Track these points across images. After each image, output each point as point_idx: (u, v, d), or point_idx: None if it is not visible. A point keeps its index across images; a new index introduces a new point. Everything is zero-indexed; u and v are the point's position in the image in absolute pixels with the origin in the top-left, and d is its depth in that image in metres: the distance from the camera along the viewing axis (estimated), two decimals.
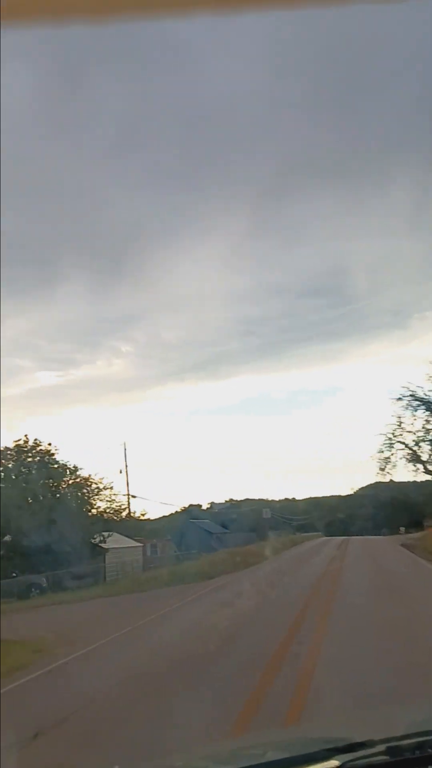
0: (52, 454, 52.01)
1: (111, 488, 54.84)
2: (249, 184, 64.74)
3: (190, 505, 77.97)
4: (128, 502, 46.77)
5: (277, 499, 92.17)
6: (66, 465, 52.62)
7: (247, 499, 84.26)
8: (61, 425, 72.34)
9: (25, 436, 50.70)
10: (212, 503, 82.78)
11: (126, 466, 45.87)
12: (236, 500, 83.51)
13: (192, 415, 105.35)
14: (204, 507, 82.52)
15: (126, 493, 46.53)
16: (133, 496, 55.71)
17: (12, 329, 61.12)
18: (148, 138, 55.44)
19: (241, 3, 0.58)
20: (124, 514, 55.63)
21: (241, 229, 69.87)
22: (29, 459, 49.89)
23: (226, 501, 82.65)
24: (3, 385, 65.60)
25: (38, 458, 51.04)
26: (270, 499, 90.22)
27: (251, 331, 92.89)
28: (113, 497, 54.51)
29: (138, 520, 57.20)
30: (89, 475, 56.16)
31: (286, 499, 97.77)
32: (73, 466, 54.13)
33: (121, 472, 45.62)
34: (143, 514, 57.03)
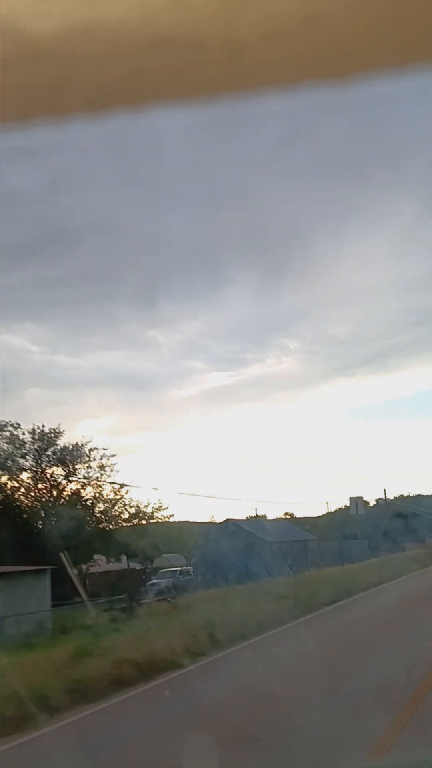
0: None
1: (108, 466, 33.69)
2: (418, 167, 58.15)
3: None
4: None
5: None
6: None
7: (419, 495, 78.10)
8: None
9: None
10: (378, 500, 73.56)
11: None
12: (407, 496, 76.75)
13: (361, 410, 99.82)
14: (372, 504, 73.59)
15: None
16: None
17: (184, 333, 66.20)
18: (308, 129, 53.27)
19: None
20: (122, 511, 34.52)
21: (410, 214, 65.81)
22: None
23: (395, 498, 75.06)
24: (178, 387, 71.41)
25: None
26: None
27: (423, 320, 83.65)
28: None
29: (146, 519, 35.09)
30: (78, 443, 36.46)
31: None
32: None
33: None
34: (158, 509, 34.60)
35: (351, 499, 38.09)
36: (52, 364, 58.96)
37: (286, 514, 75.90)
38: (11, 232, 49.01)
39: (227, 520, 35.12)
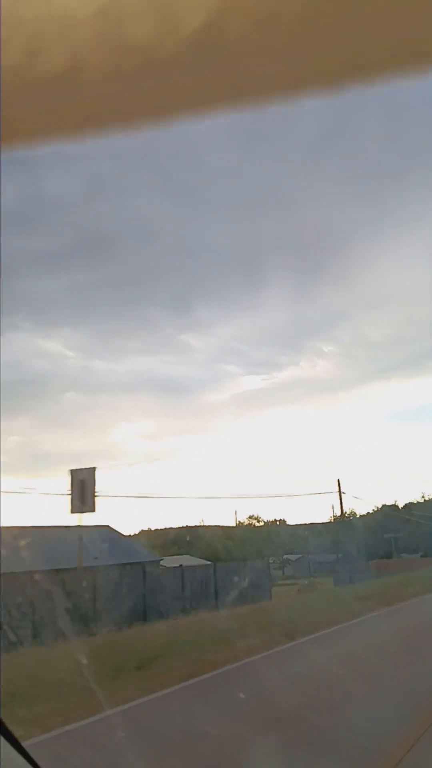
0: None
1: None
2: None
3: (383, 506, 64.55)
4: None
5: None
6: None
7: None
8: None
9: None
10: (407, 504, 66.51)
11: None
12: None
13: (399, 414, 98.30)
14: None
15: None
16: None
17: (219, 337, 67.44)
18: (343, 130, 55.85)
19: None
20: None
21: None
22: None
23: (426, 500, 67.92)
24: (213, 391, 71.03)
25: None
26: None
27: None
28: None
29: None
30: None
31: None
32: None
33: None
34: None
35: (73, 472, 18.56)
36: (88, 368, 60.89)
37: (250, 518, 60.04)
38: (49, 238, 52.60)
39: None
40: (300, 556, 59.24)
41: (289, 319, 73.23)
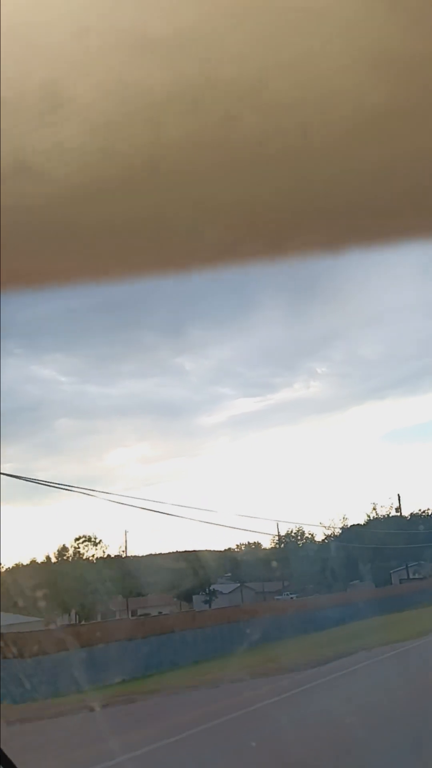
0: None
1: None
2: None
3: (352, 525, 58.15)
4: None
5: None
6: None
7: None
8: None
9: None
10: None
11: None
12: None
13: (393, 433, 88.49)
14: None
15: None
16: None
17: (213, 359, 68.38)
18: None
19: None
20: None
21: None
22: None
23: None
24: (207, 414, 74.17)
25: None
26: None
27: None
28: None
29: None
30: None
31: None
32: None
33: None
34: None
35: None
36: (82, 393, 60.36)
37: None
38: None
39: None
40: (237, 585, 46.58)
41: (283, 339, 71.89)
